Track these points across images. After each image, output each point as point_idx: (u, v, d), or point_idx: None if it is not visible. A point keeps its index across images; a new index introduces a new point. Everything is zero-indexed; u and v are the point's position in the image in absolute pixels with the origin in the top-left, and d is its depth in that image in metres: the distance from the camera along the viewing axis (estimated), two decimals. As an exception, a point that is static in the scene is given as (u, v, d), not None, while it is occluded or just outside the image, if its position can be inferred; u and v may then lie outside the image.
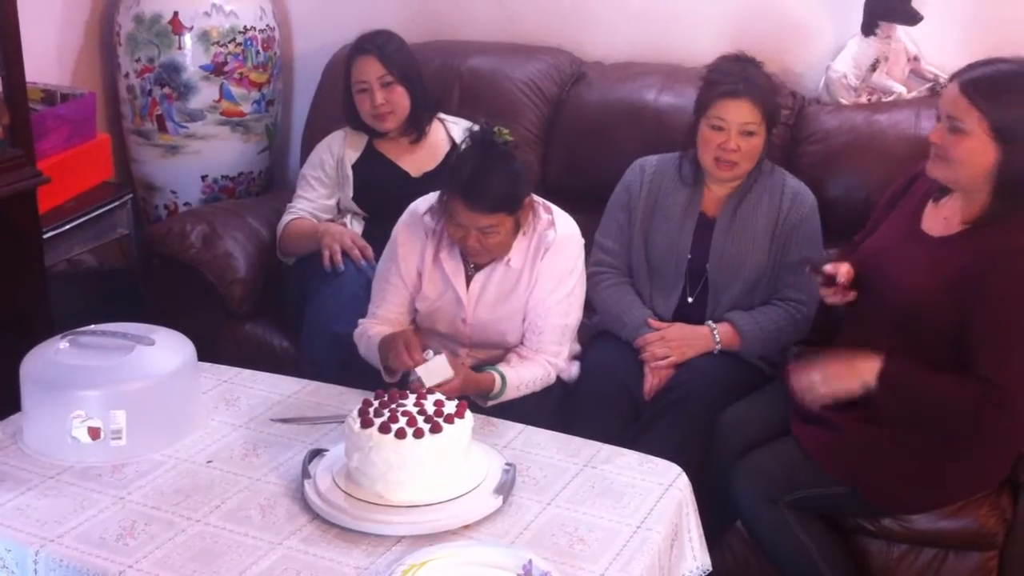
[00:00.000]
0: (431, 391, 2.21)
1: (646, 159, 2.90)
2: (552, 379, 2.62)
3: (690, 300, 2.80)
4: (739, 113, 2.66)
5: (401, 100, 3.13)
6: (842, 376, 2.32)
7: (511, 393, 2.53)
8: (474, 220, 2.46)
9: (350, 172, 3.18)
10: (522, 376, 2.55)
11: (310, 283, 3.00)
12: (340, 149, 3.21)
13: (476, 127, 2.54)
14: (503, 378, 2.51)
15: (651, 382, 2.68)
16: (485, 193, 2.43)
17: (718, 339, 2.71)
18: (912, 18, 3.14)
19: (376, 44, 3.13)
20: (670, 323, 2.76)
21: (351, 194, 3.17)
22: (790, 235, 2.75)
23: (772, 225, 2.75)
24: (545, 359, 2.60)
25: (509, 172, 2.46)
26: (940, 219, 2.37)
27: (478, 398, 2.50)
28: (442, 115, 3.27)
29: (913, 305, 2.32)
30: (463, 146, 2.55)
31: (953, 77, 2.31)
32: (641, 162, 2.89)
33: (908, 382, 2.29)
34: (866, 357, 2.31)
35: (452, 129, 3.22)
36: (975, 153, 2.25)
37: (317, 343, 2.85)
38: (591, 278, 2.80)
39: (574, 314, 2.66)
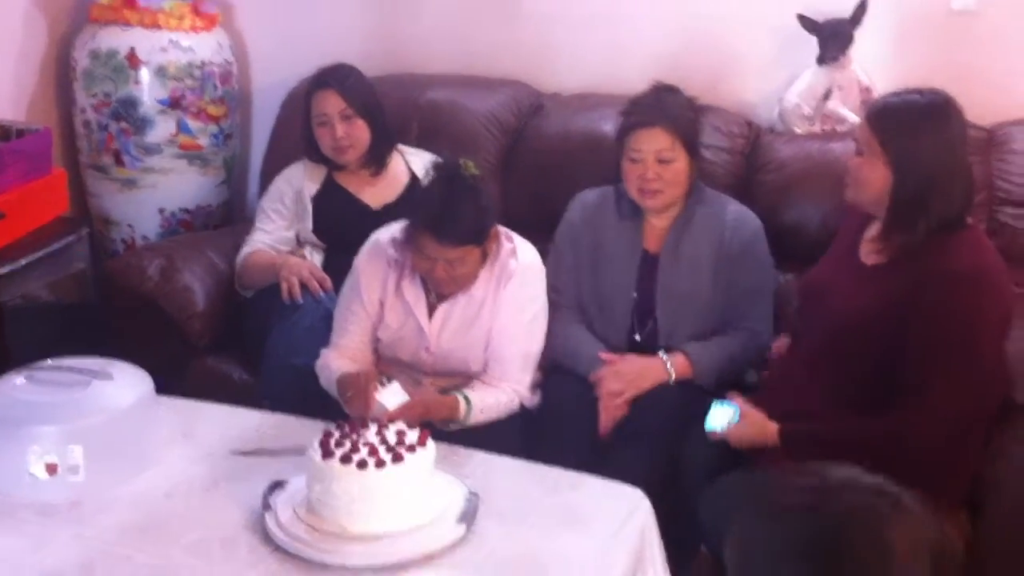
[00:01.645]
0: (393, 419, 2.21)
1: (585, 194, 2.89)
2: (515, 406, 2.63)
3: (637, 338, 2.78)
4: (652, 141, 2.66)
5: (361, 133, 3.14)
6: (753, 442, 2.43)
7: (476, 417, 2.53)
8: (443, 253, 2.47)
9: (309, 204, 3.17)
10: (486, 400, 2.55)
11: (269, 317, 2.98)
12: (299, 181, 3.21)
13: (440, 160, 2.56)
14: (468, 401, 2.51)
15: (605, 420, 2.64)
16: (454, 227, 2.45)
17: (672, 370, 2.68)
18: (821, 56, 3.24)
19: (336, 78, 3.14)
20: (623, 355, 2.72)
21: (311, 226, 3.16)
22: (735, 264, 2.73)
23: (714, 258, 2.74)
24: (509, 386, 2.60)
25: (477, 205, 2.48)
26: (873, 247, 2.41)
27: (441, 422, 2.50)
28: (401, 146, 3.28)
29: (846, 333, 2.37)
30: (428, 179, 2.56)
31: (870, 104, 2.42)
32: (581, 198, 2.89)
33: (812, 439, 2.36)
34: (766, 425, 2.41)
35: (412, 161, 3.23)
36: (873, 177, 2.34)
37: (277, 377, 2.83)
38: None
39: (536, 342, 2.67)
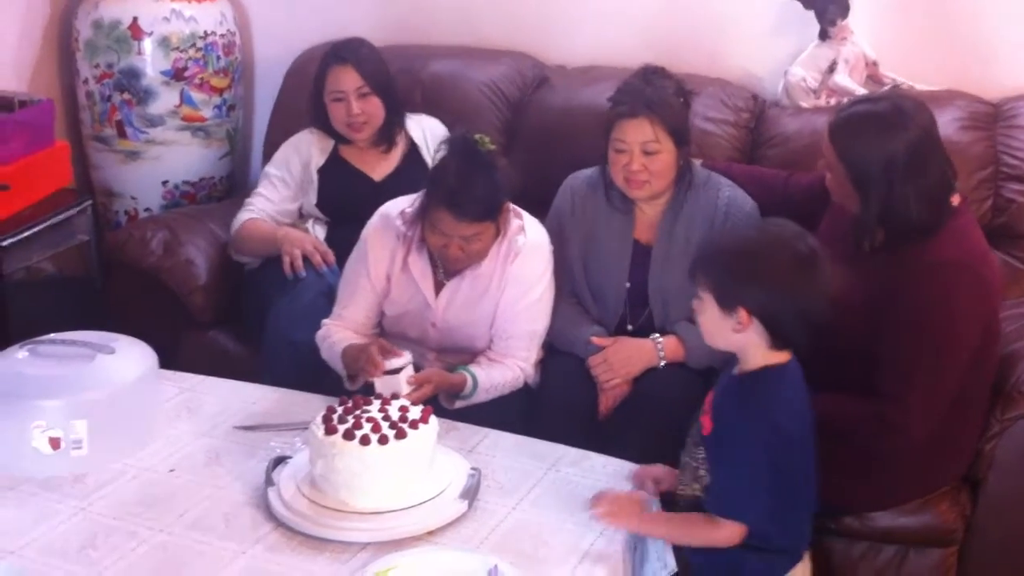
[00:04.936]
0: (395, 396, 2.21)
1: (576, 177, 2.84)
2: (520, 384, 2.63)
3: (630, 328, 2.76)
4: (637, 133, 2.59)
5: (376, 110, 3.10)
6: None
7: (481, 395, 2.53)
8: (459, 230, 2.47)
9: (315, 177, 3.15)
10: (493, 377, 2.55)
11: (270, 291, 2.96)
12: (307, 152, 3.17)
13: (455, 134, 2.56)
14: (474, 379, 2.51)
15: (605, 402, 2.64)
16: (471, 203, 2.44)
17: (663, 354, 2.65)
18: (822, 30, 3.22)
19: (353, 53, 3.09)
20: (615, 338, 2.70)
21: (315, 200, 3.15)
22: None
23: None
24: (515, 363, 2.60)
25: (493, 181, 2.47)
26: None
27: (446, 399, 2.50)
28: None
29: (833, 317, 2.37)
30: (442, 154, 2.54)
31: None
32: (571, 182, 2.84)
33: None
34: None
35: (410, 127, 3.21)
36: (845, 191, 2.35)
37: (277, 352, 2.82)
38: None
39: (542, 320, 2.66)
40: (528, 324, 2.63)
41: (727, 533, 1.95)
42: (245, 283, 3.18)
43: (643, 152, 2.61)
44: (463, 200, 2.43)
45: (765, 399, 1.94)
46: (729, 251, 1.96)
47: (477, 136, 2.50)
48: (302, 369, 2.66)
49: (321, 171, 3.16)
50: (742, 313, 1.92)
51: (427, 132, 3.23)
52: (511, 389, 2.61)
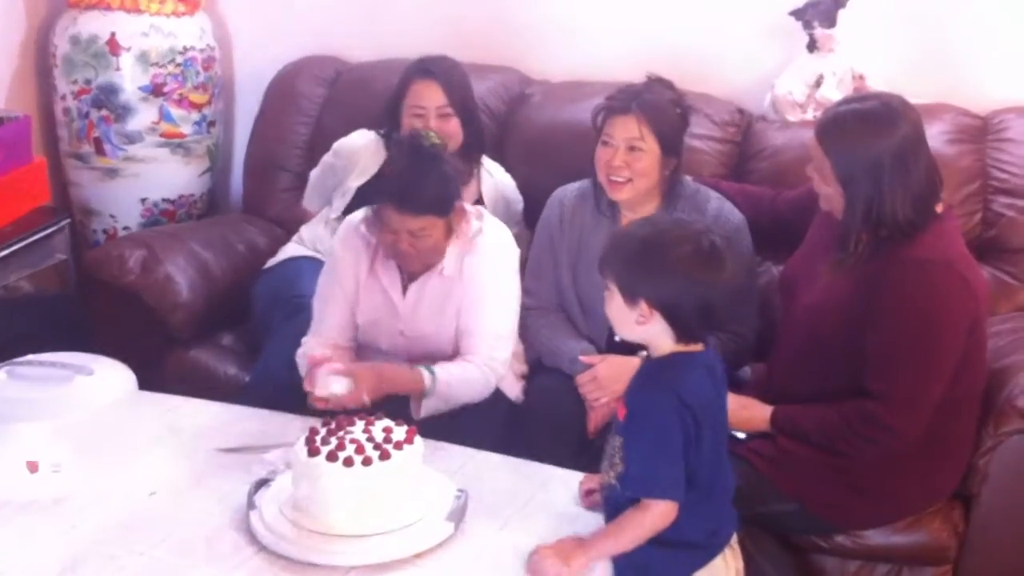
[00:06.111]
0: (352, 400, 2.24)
1: (565, 190, 2.84)
2: (491, 385, 2.59)
3: (617, 339, 2.73)
4: (624, 128, 2.63)
5: (455, 132, 2.95)
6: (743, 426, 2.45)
7: (443, 389, 2.49)
8: (405, 223, 2.45)
9: (351, 190, 3.06)
10: (452, 372, 2.52)
11: (277, 311, 2.91)
12: (357, 159, 3.05)
13: (403, 133, 2.57)
14: (432, 372, 2.48)
15: (594, 420, 2.62)
16: (416, 195, 2.44)
17: None
18: (810, 41, 3.19)
19: (442, 70, 2.98)
20: (603, 355, 2.68)
21: (335, 216, 3.06)
22: None
23: None
24: (480, 360, 2.57)
25: (439, 174, 2.47)
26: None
27: (414, 408, 2.48)
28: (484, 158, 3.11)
29: (815, 323, 2.37)
30: (391, 153, 2.54)
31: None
32: (560, 195, 2.84)
33: (796, 423, 2.38)
34: (759, 407, 2.44)
35: (484, 178, 3.05)
36: (832, 191, 2.34)
37: (264, 390, 2.71)
38: (520, 320, 2.73)
39: (506, 323, 2.63)
40: (490, 324, 2.59)
41: (657, 512, 1.92)
42: (260, 283, 3.14)
43: (627, 148, 2.63)
44: (406, 192, 2.43)
45: (671, 377, 1.96)
46: (633, 244, 1.98)
47: (424, 132, 2.51)
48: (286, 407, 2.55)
49: (362, 188, 3.03)
50: (643, 305, 1.94)
51: (498, 188, 3.10)
52: (481, 391, 2.57)
